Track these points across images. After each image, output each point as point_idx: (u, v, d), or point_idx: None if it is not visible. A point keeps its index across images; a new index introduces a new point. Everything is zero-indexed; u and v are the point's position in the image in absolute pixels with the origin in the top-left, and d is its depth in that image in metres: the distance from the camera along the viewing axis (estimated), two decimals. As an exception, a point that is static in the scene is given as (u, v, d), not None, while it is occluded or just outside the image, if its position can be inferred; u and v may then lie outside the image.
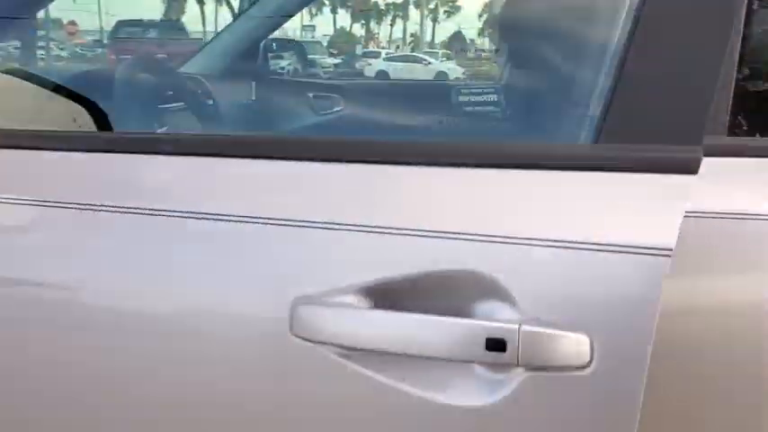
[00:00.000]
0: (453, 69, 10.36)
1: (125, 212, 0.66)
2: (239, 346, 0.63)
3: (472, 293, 0.58)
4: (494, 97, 1.39)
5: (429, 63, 11.75)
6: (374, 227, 0.61)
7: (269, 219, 0.63)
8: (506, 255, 0.58)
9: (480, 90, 1.44)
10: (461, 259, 0.59)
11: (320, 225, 0.62)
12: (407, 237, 0.60)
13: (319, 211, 0.62)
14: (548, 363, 0.55)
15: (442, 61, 12.33)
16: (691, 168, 0.56)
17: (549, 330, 0.55)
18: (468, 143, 0.72)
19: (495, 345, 0.55)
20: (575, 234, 0.57)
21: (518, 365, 0.56)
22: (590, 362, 0.55)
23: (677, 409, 0.59)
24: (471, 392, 0.58)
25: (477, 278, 0.58)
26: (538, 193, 0.60)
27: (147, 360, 0.66)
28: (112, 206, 0.67)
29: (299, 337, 0.60)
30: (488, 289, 0.58)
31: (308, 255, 0.63)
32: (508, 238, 0.57)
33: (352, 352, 0.60)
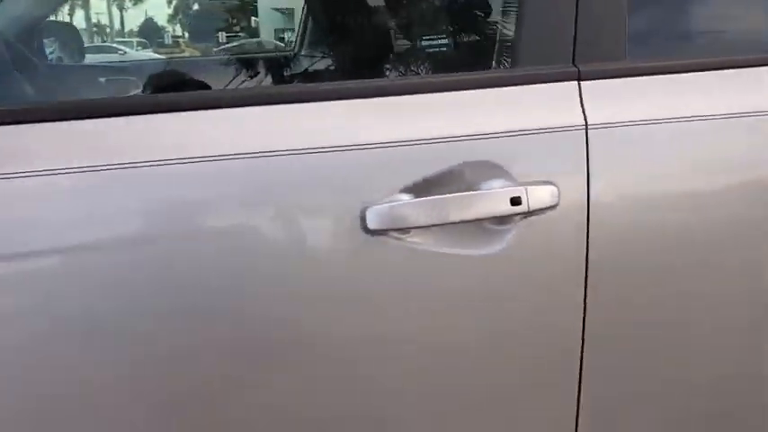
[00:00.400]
0: (152, 56, 10.11)
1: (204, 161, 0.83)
2: (331, 244, 0.86)
3: (482, 175, 0.89)
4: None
5: (124, 52, 11.29)
6: (403, 142, 0.87)
7: (336, 147, 0.86)
8: (502, 146, 0.89)
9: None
10: (474, 154, 0.89)
11: (370, 147, 0.87)
12: (430, 145, 0.88)
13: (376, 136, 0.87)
14: (539, 206, 0.89)
15: (138, 50, 11.89)
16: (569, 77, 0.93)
17: (538, 186, 0.89)
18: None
19: (515, 201, 0.87)
20: (522, 124, 0.90)
21: (527, 213, 0.88)
22: (558, 203, 0.90)
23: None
24: (485, 243, 0.90)
25: (485, 164, 0.89)
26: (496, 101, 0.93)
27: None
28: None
29: (369, 231, 0.85)
30: (493, 170, 0.89)
31: (366, 171, 0.87)
32: (500, 133, 0.89)
33: (404, 233, 0.87)
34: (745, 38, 1.08)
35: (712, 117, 0.95)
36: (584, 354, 0.94)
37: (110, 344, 0.80)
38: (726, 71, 0.98)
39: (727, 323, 1.01)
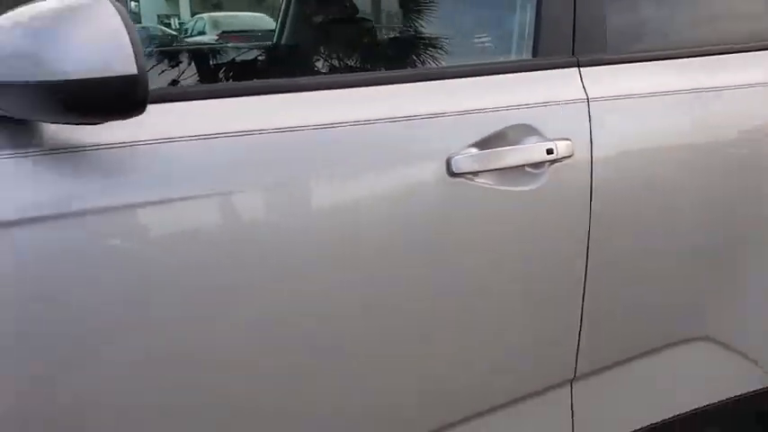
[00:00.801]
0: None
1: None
2: (430, 182, 1.20)
3: (522, 134, 1.26)
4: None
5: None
6: (469, 111, 1.23)
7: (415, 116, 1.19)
8: (534, 114, 1.27)
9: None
10: (516, 119, 1.26)
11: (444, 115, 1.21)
12: (486, 114, 1.24)
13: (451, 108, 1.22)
14: (563, 155, 1.26)
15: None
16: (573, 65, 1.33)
17: (561, 141, 1.27)
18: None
19: (549, 151, 1.25)
20: (545, 98, 1.28)
21: (554, 161, 1.26)
22: (573, 153, 1.28)
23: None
24: (528, 182, 1.26)
25: (524, 126, 1.26)
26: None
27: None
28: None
29: (452, 174, 1.20)
30: (529, 131, 1.26)
31: (448, 132, 1.21)
32: (532, 104, 1.27)
33: (476, 175, 1.22)
34: (695, 35, 1.51)
35: (677, 92, 1.38)
36: (589, 250, 1.34)
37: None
38: (682, 60, 1.41)
39: (692, 248, 1.45)
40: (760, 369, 1.66)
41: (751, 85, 1.49)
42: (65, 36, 0.82)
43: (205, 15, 15.33)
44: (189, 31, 14.66)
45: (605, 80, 1.35)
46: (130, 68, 0.83)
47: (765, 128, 1.50)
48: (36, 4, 0.86)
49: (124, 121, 0.89)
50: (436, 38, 1.69)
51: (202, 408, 1.07)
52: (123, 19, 0.83)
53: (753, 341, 1.64)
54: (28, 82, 0.82)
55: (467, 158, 1.20)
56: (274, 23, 2.61)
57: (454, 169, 1.19)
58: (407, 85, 1.23)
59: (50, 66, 0.81)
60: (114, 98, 0.84)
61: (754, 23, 1.60)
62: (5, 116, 0.89)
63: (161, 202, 1.00)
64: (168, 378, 1.04)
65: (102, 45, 0.83)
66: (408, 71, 1.52)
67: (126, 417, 1.02)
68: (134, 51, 0.83)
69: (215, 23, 13.79)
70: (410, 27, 2.00)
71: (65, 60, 0.81)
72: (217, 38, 12.86)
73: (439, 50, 1.63)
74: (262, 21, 14.92)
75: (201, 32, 14.09)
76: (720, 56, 1.48)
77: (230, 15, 15.36)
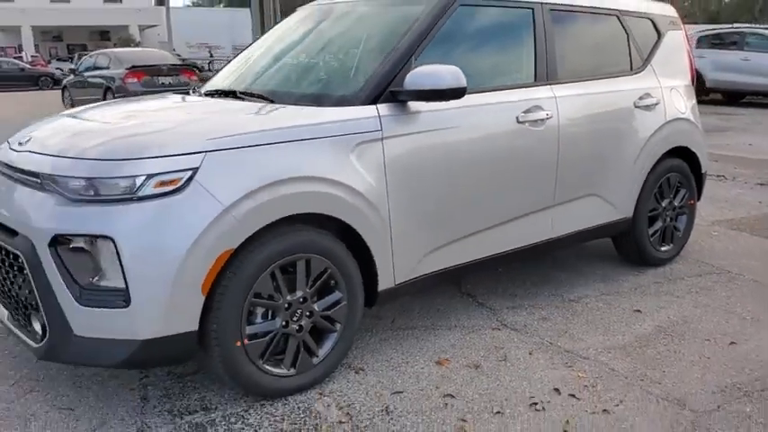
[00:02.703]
0: None
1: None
2: (510, 127, 3.40)
3: (537, 109, 3.52)
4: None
5: None
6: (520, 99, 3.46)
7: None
8: (540, 102, 3.53)
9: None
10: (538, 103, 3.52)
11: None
12: (527, 101, 3.48)
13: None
14: (548, 117, 3.55)
15: None
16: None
17: (548, 111, 3.55)
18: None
19: (548, 115, 3.52)
20: (538, 95, 3.56)
21: (546, 118, 3.53)
22: (552, 116, 3.57)
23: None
24: (540, 128, 3.52)
25: (537, 106, 3.52)
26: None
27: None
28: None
29: (519, 122, 3.41)
30: (539, 108, 3.53)
31: (517, 102, 3.43)
32: (537, 98, 3.54)
33: (523, 123, 3.45)
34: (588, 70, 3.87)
35: (585, 95, 3.73)
36: (559, 157, 3.62)
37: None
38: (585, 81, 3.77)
39: (592, 157, 3.78)
40: (614, 208, 4.02)
41: (603, 93, 3.85)
42: (441, 71, 2.91)
43: (107, 50, 16.44)
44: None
45: (561, 90, 3.64)
46: (459, 82, 2.95)
47: (611, 108, 3.88)
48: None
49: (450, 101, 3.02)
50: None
51: (482, 204, 3.22)
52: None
53: (612, 195, 4.00)
54: (435, 89, 2.92)
55: (521, 116, 3.43)
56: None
57: (519, 120, 3.42)
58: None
59: (436, 82, 2.90)
60: (452, 93, 2.96)
61: (598, 65, 3.98)
62: (400, 101, 2.97)
63: (454, 127, 3.14)
64: (471, 197, 3.17)
65: (444, 72, 2.93)
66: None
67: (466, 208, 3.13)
68: (454, 71, 2.93)
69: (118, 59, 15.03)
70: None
71: (442, 79, 2.91)
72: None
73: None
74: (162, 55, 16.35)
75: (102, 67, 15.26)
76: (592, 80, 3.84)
77: (130, 51, 16.56)
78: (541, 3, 3.70)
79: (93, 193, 2.44)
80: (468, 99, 3.08)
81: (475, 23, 3.44)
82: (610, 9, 4.13)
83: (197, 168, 2.46)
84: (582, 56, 3.91)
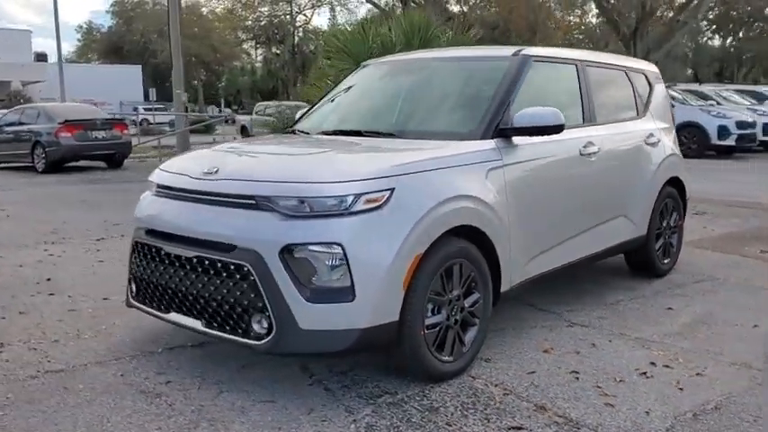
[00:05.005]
0: None
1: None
2: (578, 159, 4.18)
3: (592, 146, 4.33)
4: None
5: None
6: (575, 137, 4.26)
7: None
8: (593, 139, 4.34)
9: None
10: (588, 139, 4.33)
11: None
12: (580, 139, 4.28)
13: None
14: (595, 151, 4.37)
15: None
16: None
17: (596, 146, 4.38)
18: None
19: (594, 149, 4.34)
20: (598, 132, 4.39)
21: (596, 152, 4.35)
22: (598, 150, 4.39)
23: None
24: (590, 157, 4.33)
25: (591, 144, 4.33)
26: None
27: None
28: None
29: (581, 154, 4.20)
30: (592, 144, 4.34)
31: (578, 141, 4.22)
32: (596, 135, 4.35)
33: (583, 155, 4.24)
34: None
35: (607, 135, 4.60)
36: (603, 190, 4.44)
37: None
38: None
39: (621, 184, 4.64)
40: (635, 226, 4.87)
41: (625, 132, 4.74)
42: (544, 112, 3.65)
43: (36, 105, 16.09)
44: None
45: (600, 130, 4.47)
46: (560, 121, 3.69)
47: (632, 145, 4.77)
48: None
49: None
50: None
51: (561, 220, 3.94)
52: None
53: (634, 215, 4.85)
54: (539, 126, 3.64)
55: (582, 149, 4.22)
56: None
57: (581, 153, 4.20)
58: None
59: (541, 120, 3.64)
60: (554, 129, 3.70)
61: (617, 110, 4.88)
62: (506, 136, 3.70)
63: (543, 157, 3.87)
64: (554, 213, 3.89)
65: (546, 112, 3.67)
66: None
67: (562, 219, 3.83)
68: (555, 112, 3.68)
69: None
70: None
71: (545, 118, 3.65)
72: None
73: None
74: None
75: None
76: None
77: (60, 106, 16.29)
78: (580, 60, 4.56)
79: (309, 209, 2.94)
80: (550, 135, 3.83)
81: (541, 75, 4.22)
82: (619, 65, 5.07)
83: (393, 189, 3.03)
84: (607, 103, 4.80)
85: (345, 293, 2.90)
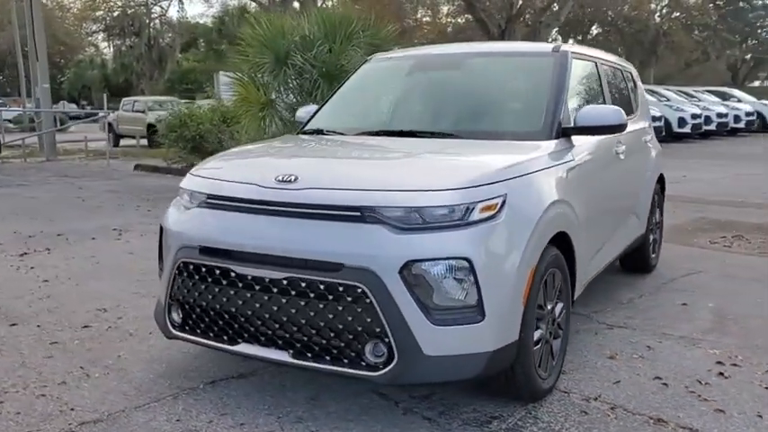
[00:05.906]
0: None
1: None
2: (613, 157, 4.10)
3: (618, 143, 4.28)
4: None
5: None
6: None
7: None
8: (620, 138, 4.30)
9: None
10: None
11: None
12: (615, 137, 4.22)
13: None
14: (623, 151, 4.33)
15: None
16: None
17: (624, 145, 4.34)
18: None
19: (621, 150, 4.29)
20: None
21: (624, 151, 4.31)
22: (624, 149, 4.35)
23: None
24: (620, 154, 4.28)
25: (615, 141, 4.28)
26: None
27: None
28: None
29: (615, 153, 4.13)
30: (616, 143, 4.29)
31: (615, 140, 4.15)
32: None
33: (615, 153, 4.18)
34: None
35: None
36: (629, 186, 4.42)
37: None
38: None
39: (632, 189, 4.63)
40: (640, 223, 4.91)
41: (634, 131, 4.74)
42: (606, 110, 3.53)
43: None
44: None
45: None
46: (623, 120, 3.57)
47: (639, 142, 4.79)
48: None
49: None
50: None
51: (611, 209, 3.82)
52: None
53: (640, 212, 4.88)
54: (603, 125, 3.51)
55: (615, 148, 4.16)
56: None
57: (615, 152, 4.14)
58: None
59: (604, 119, 3.51)
60: (617, 128, 3.57)
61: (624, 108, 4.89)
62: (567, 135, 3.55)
63: (593, 156, 3.75)
64: (605, 206, 3.76)
65: (608, 111, 3.56)
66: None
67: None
68: (617, 110, 3.57)
69: None
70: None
71: (607, 117, 3.52)
72: None
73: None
74: None
75: None
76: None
77: None
78: (598, 57, 4.50)
79: (422, 220, 2.61)
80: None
81: (575, 73, 4.09)
82: (618, 64, 5.08)
83: (506, 195, 2.76)
84: (619, 101, 4.77)
85: (474, 313, 2.60)
